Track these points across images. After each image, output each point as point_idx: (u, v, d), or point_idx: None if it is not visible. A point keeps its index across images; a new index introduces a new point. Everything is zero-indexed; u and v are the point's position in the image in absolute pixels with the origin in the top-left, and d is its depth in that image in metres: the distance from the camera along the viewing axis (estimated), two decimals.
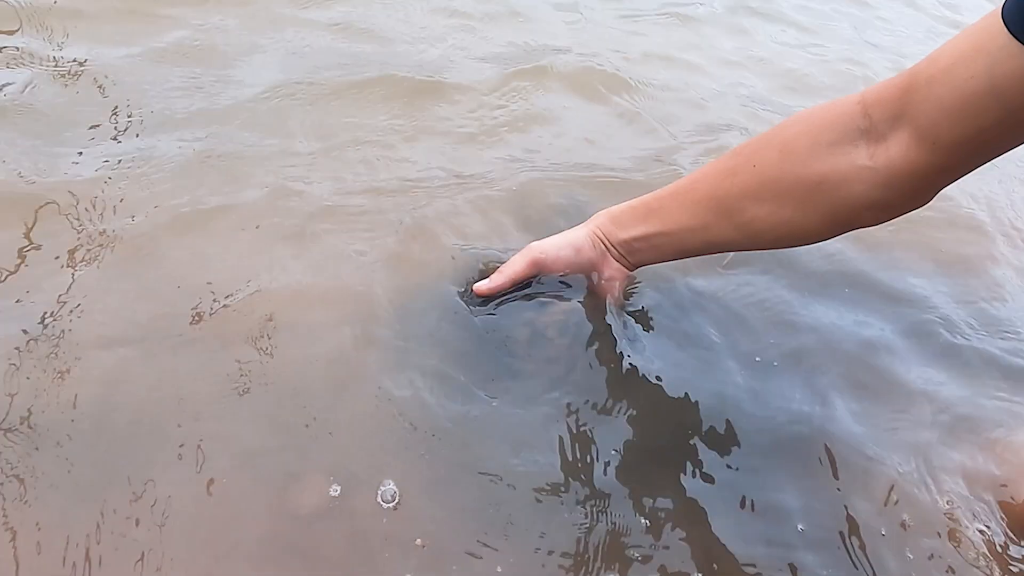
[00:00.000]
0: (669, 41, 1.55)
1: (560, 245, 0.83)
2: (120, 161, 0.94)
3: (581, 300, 0.83)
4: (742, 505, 0.72)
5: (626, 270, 0.84)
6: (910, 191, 0.69)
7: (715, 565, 0.67)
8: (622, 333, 0.82)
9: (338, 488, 0.65)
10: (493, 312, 0.82)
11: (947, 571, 0.70)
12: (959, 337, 0.97)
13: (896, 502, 0.75)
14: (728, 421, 0.79)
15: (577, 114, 1.24)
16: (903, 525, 0.73)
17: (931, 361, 0.93)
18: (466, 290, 0.85)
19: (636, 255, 0.83)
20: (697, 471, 0.74)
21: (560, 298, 0.83)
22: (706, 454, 0.75)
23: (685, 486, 0.72)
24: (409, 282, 0.86)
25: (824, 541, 0.71)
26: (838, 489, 0.75)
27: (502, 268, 0.83)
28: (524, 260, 0.82)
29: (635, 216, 0.82)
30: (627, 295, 0.88)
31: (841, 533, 0.71)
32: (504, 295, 0.83)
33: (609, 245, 0.83)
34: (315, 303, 0.82)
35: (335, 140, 1.04)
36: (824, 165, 0.70)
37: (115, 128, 1.00)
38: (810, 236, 0.76)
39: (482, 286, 0.82)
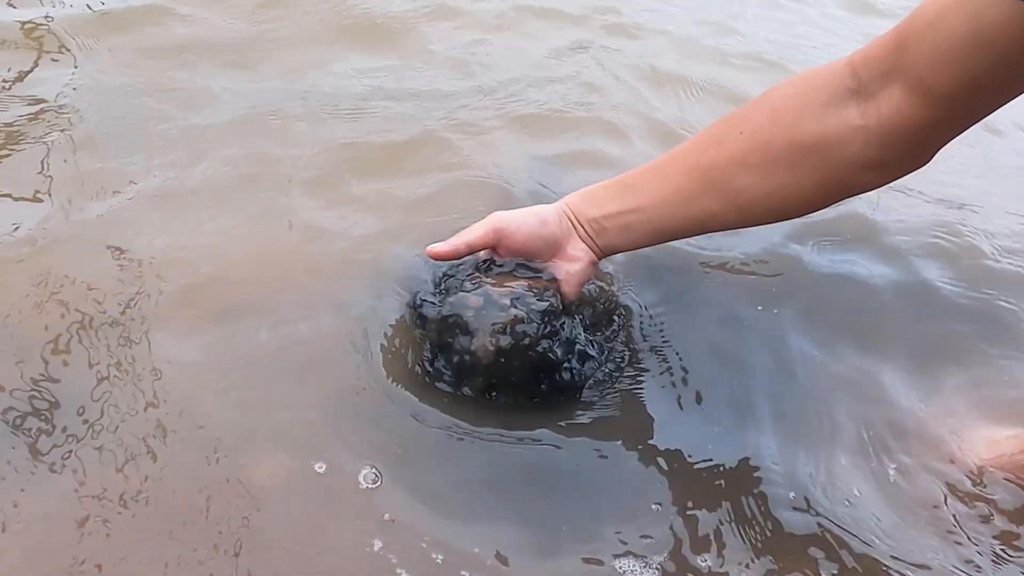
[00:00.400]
0: None
1: (525, 215, 0.81)
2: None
3: (541, 274, 0.83)
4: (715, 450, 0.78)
5: (592, 255, 0.82)
6: (905, 148, 0.68)
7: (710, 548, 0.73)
8: (581, 315, 0.83)
9: (323, 466, 0.76)
10: (447, 280, 0.86)
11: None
12: None
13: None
14: (680, 376, 0.84)
15: None
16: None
17: None
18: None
19: (605, 236, 0.80)
20: (673, 454, 0.79)
21: (517, 271, 0.83)
22: (680, 435, 0.81)
23: (668, 473, 0.77)
24: (373, 261, 0.92)
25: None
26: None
27: (461, 233, 0.83)
28: (485, 226, 0.82)
29: (609, 193, 0.79)
30: (589, 282, 0.86)
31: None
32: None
33: (578, 223, 0.81)
34: (306, 294, 0.90)
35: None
36: (816, 127, 0.69)
37: None
38: (804, 204, 0.75)
39: (437, 248, 0.82)
